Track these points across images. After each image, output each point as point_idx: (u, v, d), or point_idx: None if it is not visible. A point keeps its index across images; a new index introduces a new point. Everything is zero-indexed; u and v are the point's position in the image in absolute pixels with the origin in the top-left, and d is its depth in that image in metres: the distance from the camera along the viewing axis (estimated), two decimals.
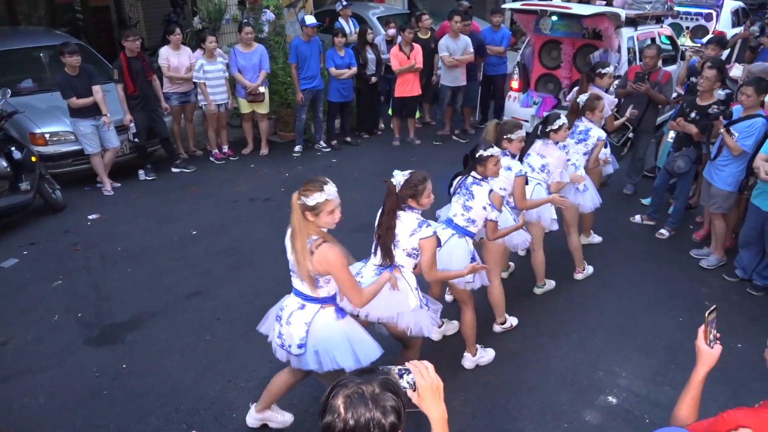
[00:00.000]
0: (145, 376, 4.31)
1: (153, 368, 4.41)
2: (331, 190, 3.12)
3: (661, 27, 9.37)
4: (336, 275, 3.14)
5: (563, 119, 4.91)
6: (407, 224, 3.55)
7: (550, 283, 5.46)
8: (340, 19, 9.62)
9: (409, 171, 3.57)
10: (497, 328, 4.86)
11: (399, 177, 3.54)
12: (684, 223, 6.60)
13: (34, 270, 5.68)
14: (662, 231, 6.45)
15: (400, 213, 3.58)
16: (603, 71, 6.24)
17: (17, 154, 6.38)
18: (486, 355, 4.53)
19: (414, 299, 3.63)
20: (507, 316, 4.86)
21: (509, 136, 4.47)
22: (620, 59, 8.10)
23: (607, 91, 6.32)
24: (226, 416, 3.94)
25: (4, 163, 6.30)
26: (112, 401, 4.07)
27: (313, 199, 3.08)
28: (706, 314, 2.13)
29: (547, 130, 4.92)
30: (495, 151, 4.02)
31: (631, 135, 7.11)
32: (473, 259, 4.08)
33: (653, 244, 6.33)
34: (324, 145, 9.00)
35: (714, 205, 5.68)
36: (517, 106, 8.98)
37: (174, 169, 8.04)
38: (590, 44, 8.51)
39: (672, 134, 6.37)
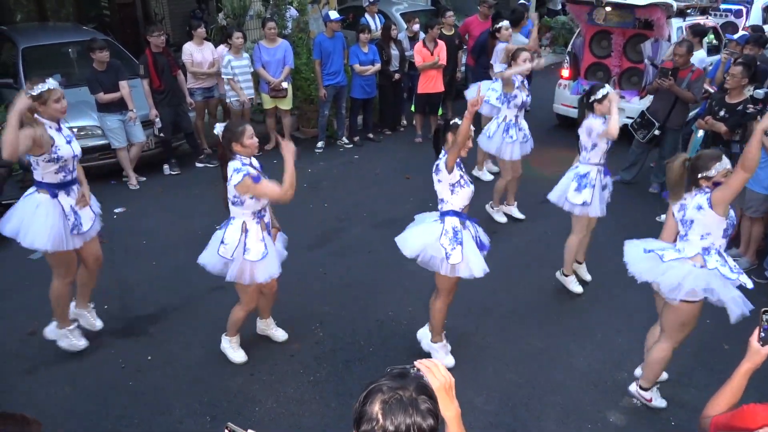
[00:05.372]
0: (169, 368, 4.36)
1: (176, 360, 4.45)
2: (51, 81, 3.77)
3: (707, 18, 9.50)
4: None
5: (607, 88, 4.81)
6: (229, 174, 3.84)
7: (572, 281, 5.34)
8: (367, 15, 9.61)
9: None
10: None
11: (219, 128, 3.86)
12: None
13: None
14: None
15: (229, 164, 3.87)
16: (498, 25, 7.72)
17: None
18: (444, 355, 4.27)
19: (229, 249, 3.95)
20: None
21: (706, 174, 3.53)
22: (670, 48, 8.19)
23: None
24: (249, 409, 3.97)
25: None
26: (136, 392, 4.12)
27: (38, 88, 3.68)
28: (761, 312, 2.12)
29: (591, 101, 4.84)
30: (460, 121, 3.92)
31: (657, 132, 7.00)
32: (458, 242, 3.95)
33: None
34: (346, 141, 8.99)
35: (750, 209, 5.55)
36: (567, 93, 9.42)
37: (198, 164, 8.11)
38: (641, 34, 8.73)
39: (701, 133, 6.26)
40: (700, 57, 7.49)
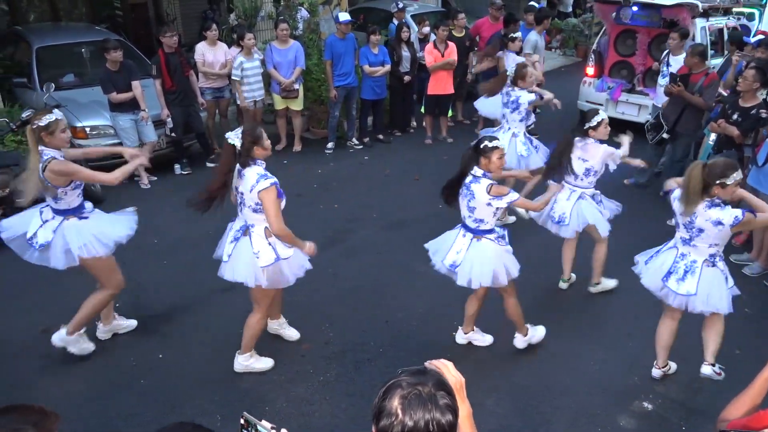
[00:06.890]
0: (180, 367, 4.39)
1: (187, 359, 4.48)
2: (58, 113, 3.91)
3: (728, 19, 9.63)
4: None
5: (603, 114, 4.82)
6: (249, 180, 3.73)
7: (607, 283, 5.35)
8: (395, 20, 9.61)
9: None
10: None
11: (233, 136, 3.76)
12: None
13: None
14: None
15: (245, 170, 3.78)
16: (514, 35, 7.86)
17: None
18: (537, 332, 4.58)
19: (267, 257, 3.84)
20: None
21: (723, 180, 3.51)
22: None
23: (519, 53, 7.85)
24: (259, 408, 3.98)
25: None
26: (147, 390, 4.15)
27: (46, 119, 3.79)
28: None
29: (585, 127, 4.83)
30: (500, 143, 3.97)
31: (666, 136, 6.96)
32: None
33: None
34: (356, 142, 9.01)
35: None
36: (591, 90, 9.58)
37: (209, 164, 8.13)
38: (665, 33, 8.83)
39: (713, 136, 6.22)
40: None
